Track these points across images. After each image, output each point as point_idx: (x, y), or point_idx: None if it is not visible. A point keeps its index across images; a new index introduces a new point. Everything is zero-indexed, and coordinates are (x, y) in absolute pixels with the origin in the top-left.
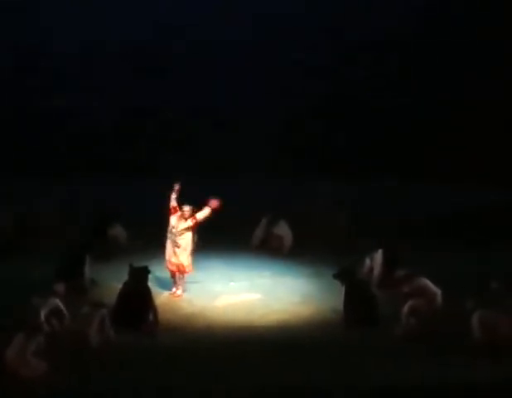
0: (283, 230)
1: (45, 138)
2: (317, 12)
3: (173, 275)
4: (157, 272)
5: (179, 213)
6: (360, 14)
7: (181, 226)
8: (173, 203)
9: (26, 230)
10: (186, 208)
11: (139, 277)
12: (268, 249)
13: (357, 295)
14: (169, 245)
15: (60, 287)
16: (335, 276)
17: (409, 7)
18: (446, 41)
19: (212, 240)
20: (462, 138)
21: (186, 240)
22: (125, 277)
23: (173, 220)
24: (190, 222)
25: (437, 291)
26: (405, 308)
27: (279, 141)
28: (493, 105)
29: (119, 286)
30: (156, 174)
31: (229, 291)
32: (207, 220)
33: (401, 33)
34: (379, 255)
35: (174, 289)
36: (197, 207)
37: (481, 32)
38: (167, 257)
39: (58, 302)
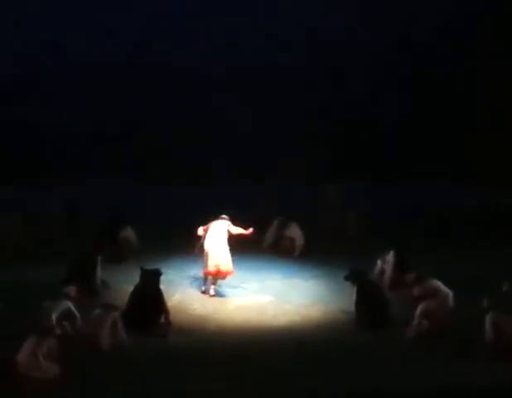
0: (295, 232)
1: (52, 143)
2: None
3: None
4: (169, 274)
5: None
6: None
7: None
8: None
9: (36, 234)
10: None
11: (151, 279)
12: (279, 251)
13: (368, 296)
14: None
15: (71, 289)
16: (347, 277)
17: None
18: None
19: None
20: (476, 138)
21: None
22: (136, 279)
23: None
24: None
25: (449, 292)
26: (418, 310)
27: (288, 143)
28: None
29: (131, 288)
30: (168, 178)
31: (240, 293)
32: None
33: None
34: (390, 257)
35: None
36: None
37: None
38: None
39: (70, 304)
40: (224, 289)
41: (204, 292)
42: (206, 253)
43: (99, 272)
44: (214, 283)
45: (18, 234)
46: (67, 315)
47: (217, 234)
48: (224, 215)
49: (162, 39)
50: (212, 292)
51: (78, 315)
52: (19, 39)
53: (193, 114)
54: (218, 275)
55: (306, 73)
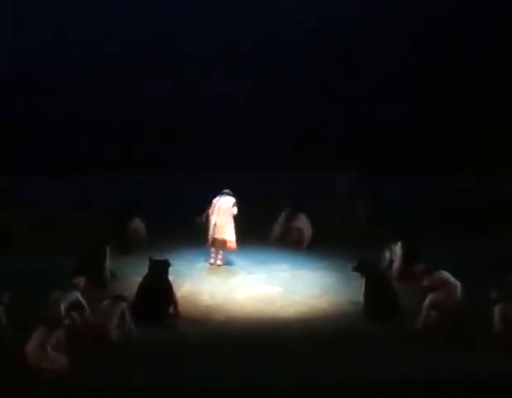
0: (303, 223)
1: (60, 135)
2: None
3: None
4: (177, 265)
5: None
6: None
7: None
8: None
9: (45, 226)
10: None
11: (159, 270)
12: (287, 242)
13: (377, 288)
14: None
15: (80, 280)
16: (355, 269)
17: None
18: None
19: None
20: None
21: None
22: (145, 271)
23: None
24: None
25: (457, 283)
26: (426, 301)
27: (294, 135)
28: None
29: (139, 279)
30: (173, 169)
31: (248, 284)
32: None
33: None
34: (398, 248)
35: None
36: None
37: None
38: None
39: (78, 295)
40: (232, 280)
41: (212, 264)
42: (214, 224)
43: (108, 263)
44: (219, 254)
45: (23, 226)
46: (76, 306)
47: (224, 207)
48: (227, 190)
49: (162, 39)
50: (219, 262)
51: (86, 306)
52: (19, 39)
53: (193, 113)
54: (222, 246)
55: (306, 73)
